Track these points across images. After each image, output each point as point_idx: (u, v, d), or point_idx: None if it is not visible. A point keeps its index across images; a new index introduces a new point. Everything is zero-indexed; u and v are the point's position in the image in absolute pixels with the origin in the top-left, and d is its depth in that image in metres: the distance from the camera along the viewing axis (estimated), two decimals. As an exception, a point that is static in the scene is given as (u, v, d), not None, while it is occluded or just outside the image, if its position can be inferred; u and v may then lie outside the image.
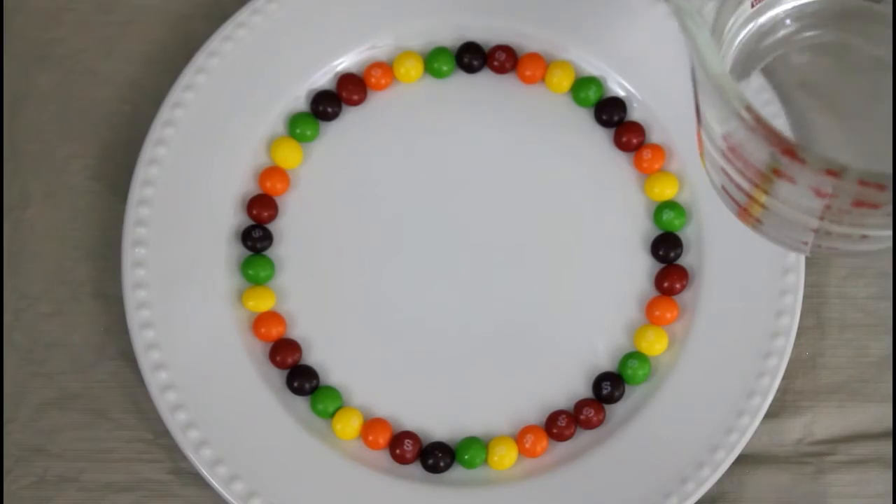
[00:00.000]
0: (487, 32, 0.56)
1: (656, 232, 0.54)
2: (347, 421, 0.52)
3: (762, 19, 0.48)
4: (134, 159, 0.54)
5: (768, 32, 0.48)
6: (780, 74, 0.48)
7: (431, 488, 0.52)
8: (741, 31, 0.48)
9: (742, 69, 0.48)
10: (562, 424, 0.52)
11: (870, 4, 0.48)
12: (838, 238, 0.44)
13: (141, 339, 0.52)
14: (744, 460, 0.52)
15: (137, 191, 0.54)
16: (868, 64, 0.48)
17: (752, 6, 0.47)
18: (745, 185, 0.44)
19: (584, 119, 0.56)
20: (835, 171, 0.39)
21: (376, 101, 0.56)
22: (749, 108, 0.40)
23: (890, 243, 0.45)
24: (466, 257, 0.54)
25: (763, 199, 0.45)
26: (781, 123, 0.49)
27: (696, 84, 0.44)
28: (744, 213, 0.47)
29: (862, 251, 0.45)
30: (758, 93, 0.48)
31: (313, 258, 0.54)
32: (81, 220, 0.56)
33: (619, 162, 0.55)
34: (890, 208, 0.40)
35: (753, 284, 0.53)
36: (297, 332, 0.54)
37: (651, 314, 0.53)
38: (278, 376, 0.53)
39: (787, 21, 0.48)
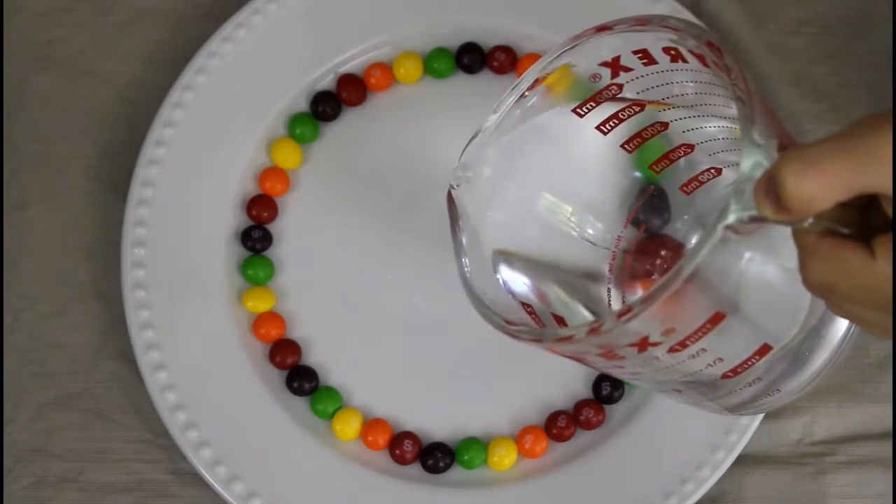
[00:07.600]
0: (487, 32, 0.56)
1: (656, 232, 0.54)
2: (347, 421, 0.52)
3: None
4: (134, 159, 0.54)
5: None
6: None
7: (431, 488, 0.52)
8: None
9: None
10: (561, 425, 0.52)
11: None
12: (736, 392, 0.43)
13: (141, 339, 0.52)
14: (744, 460, 0.52)
15: (137, 191, 0.54)
16: None
17: None
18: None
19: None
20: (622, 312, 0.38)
21: (376, 102, 0.56)
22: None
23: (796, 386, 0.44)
24: (466, 257, 0.54)
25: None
26: None
27: None
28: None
29: (773, 402, 0.44)
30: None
31: (313, 258, 0.54)
32: (81, 220, 0.56)
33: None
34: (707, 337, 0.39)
35: (753, 285, 0.53)
36: (296, 333, 0.54)
37: (651, 314, 0.53)
38: (278, 377, 0.53)
39: None
